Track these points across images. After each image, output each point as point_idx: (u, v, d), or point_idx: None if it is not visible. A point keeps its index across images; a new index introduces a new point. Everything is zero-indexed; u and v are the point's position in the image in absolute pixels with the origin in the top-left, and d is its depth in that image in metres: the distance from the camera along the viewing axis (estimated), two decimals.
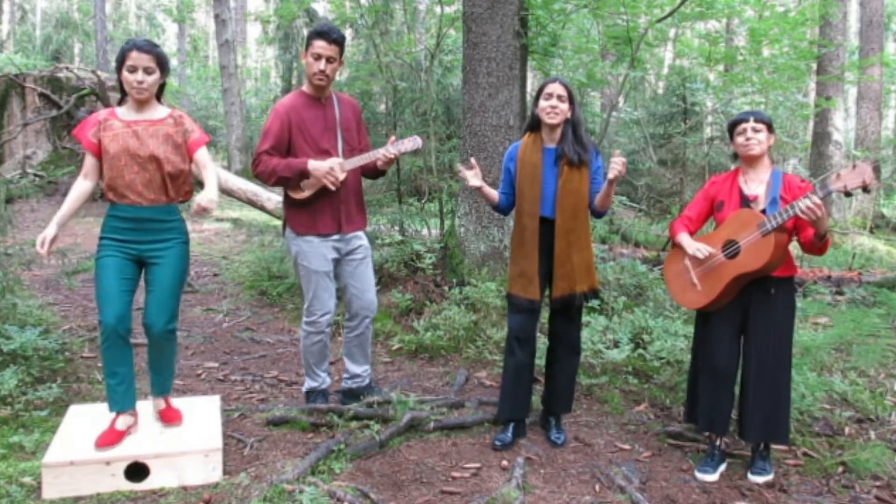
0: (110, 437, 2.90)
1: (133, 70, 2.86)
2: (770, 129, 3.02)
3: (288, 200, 3.51)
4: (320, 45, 3.33)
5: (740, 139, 3.03)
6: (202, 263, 7.67)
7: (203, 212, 2.86)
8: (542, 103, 3.18)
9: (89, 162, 2.97)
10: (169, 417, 3.13)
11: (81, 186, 2.99)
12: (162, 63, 2.93)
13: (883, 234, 11.29)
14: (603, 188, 3.19)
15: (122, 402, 2.98)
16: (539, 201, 3.21)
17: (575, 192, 3.17)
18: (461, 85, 5.80)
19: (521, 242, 3.26)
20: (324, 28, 3.37)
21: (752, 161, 3.04)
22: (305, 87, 3.50)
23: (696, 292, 3.09)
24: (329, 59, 3.36)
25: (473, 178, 3.25)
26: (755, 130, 2.99)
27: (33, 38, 24.78)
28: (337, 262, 3.56)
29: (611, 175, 3.03)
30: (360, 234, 3.61)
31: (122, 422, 2.98)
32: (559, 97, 3.16)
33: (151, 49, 2.88)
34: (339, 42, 3.37)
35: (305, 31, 15.46)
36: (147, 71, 2.87)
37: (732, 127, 3.08)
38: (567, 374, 3.43)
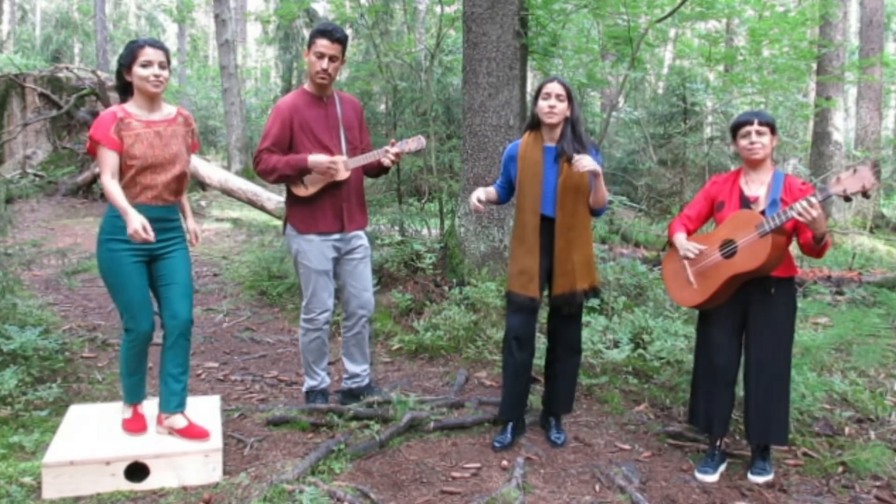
0: (138, 423, 3.04)
1: (148, 65, 2.86)
2: (773, 130, 2.99)
3: (290, 198, 3.51)
4: (323, 44, 3.34)
5: (744, 142, 3.00)
6: (202, 263, 7.67)
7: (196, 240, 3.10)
8: (541, 103, 3.18)
9: (114, 160, 2.83)
10: (196, 434, 2.98)
11: (116, 182, 2.83)
12: (170, 60, 2.97)
13: (883, 234, 11.29)
14: (591, 192, 3.21)
15: (140, 394, 3.11)
16: (540, 199, 3.21)
17: (575, 190, 3.18)
18: (461, 85, 5.80)
19: (522, 240, 3.26)
20: (327, 27, 3.38)
21: (755, 164, 3.02)
22: (307, 86, 3.50)
23: (692, 290, 3.09)
24: (332, 58, 3.37)
25: (477, 196, 3.31)
26: (759, 134, 2.96)
27: (33, 38, 24.78)
28: (336, 261, 3.56)
29: (590, 168, 3.01)
30: (361, 233, 3.61)
31: (142, 408, 3.12)
32: (557, 96, 3.16)
33: (163, 46, 2.94)
34: (341, 41, 3.38)
35: (305, 31, 15.45)
36: (161, 66, 2.90)
37: (736, 128, 3.04)
38: (567, 375, 3.43)
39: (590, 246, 3.29)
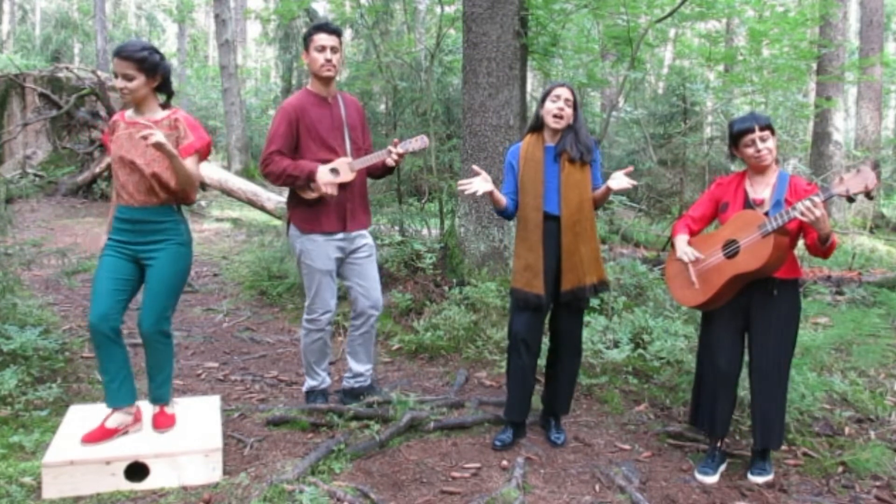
0: (96, 435, 2.91)
1: (115, 76, 2.91)
2: (773, 130, 2.97)
3: (294, 199, 3.51)
4: (322, 37, 3.38)
5: (750, 151, 2.95)
6: (202, 263, 7.67)
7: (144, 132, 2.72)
8: (550, 105, 3.20)
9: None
10: (160, 423, 3.05)
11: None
12: (145, 68, 2.86)
13: (883, 234, 11.29)
14: (601, 191, 3.23)
15: (115, 398, 2.98)
16: (542, 196, 3.22)
17: (578, 186, 3.19)
18: (461, 85, 5.80)
19: (526, 236, 3.25)
20: (320, 22, 3.45)
21: (762, 169, 3.01)
22: (311, 87, 3.51)
23: (694, 290, 3.09)
24: (333, 49, 3.40)
25: (483, 183, 3.19)
26: (763, 140, 2.93)
27: (33, 38, 24.75)
28: (341, 262, 3.56)
29: (615, 185, 3.12)
30: (365, 232, 3.62)
31: (114, 420, 2.97)
32: (566, 101, 3.19)
33: (131, 55, 2.83)
34: (338, 32, 3.44)
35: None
36: (126, 77, 2.86)
37: (737, 137, 2.98)
38: (568, 375, 3.43)
39: (596, 240, 3.29)
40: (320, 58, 3.38)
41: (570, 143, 3.21)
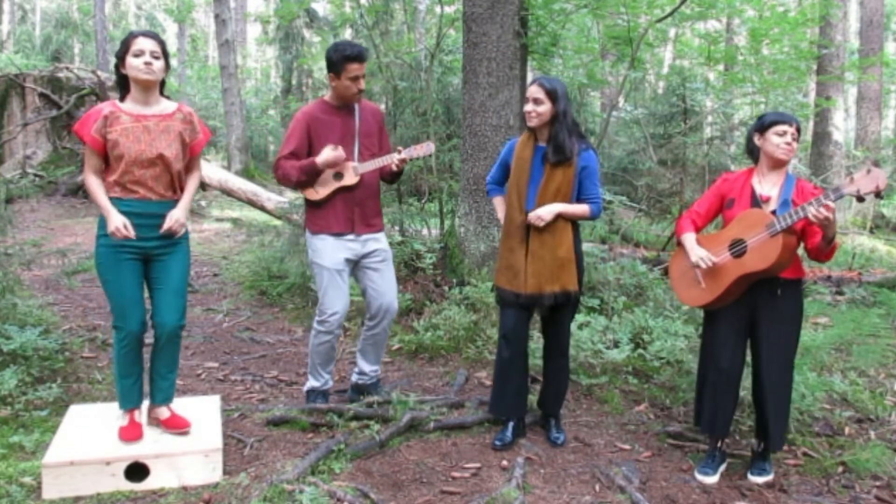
0: (134, 432, 2.97)
1: (140, 54, 2.81)
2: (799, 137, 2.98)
3: (306, 201, 3.59)
4: (355, 67, 3.40)
5: (779, 140, 2.91)
6: (202, 263, 7.67)
7: (169, 231, 2.92)
8: (525, 107, 3.22)
9: (94, 158, 2.87)
10: (176, 425, 3.03)
11: (98, 181, 2.88)
12: (165, 52, 2.90)
13: (883, 234, 11.29)
14: (579, 208, 3.22)
15: (137, 399, 3.05)
16: (525, 197, 3.23)
17: (554, 192, 3.18)
18: (461, 85, 5.80)
19: (508, 235, 3.29)
20: (355, 50, 3.40)
21: (780, 164, 2.97)
22: (328, 97, 3.56)
23: (700, 290, 3.06)
24: (362, 76, 3.46)
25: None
26: (794, 138, 2.92)
27: (33, 38, 24.76)
28: (354, 265, 3.59)
29: (545, 218, 3.19)
30: (379, 237, 3.65)
31: (139, 415, 3.06)
32: (535, 100, 3.16)
33: (156, 36, 2.88)
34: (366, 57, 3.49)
35: (306, 31, 15.46)
36: (154, 55, 2.84)
37: (770, 125, 2.94)
38: (554, 375, 3.44)
39: (566, 248, 3.21)
40: (353, 87, 3.45)
41: (550, 146, 3.19)
